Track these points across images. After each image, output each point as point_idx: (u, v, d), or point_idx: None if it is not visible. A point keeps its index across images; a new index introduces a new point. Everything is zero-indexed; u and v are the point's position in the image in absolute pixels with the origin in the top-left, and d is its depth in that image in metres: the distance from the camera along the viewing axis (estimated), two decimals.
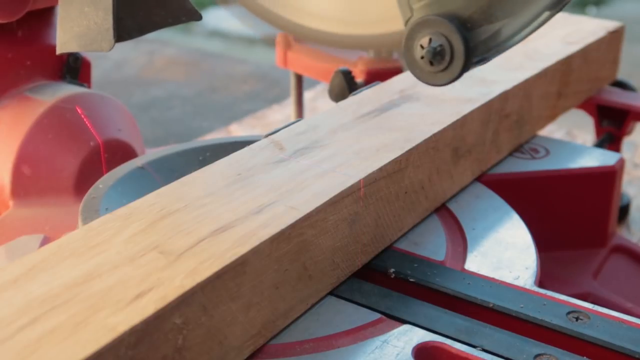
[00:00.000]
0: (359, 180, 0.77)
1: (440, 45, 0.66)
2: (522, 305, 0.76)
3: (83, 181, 1.25)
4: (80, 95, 1.29)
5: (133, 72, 3.15)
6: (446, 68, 0.67)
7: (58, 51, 0.88)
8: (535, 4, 0.66)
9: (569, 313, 0.75)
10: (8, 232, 1.17)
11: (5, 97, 1.30)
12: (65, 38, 0.86)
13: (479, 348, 0.70)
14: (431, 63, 0.67)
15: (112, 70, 3.14)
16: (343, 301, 0.76)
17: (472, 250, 0.87)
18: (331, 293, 0.77)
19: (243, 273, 0.64)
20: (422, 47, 0.67)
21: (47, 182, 1.25)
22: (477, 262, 0.85)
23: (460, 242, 0.89)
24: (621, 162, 1.15)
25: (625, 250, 1.20)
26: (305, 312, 0.74)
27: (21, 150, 1.24)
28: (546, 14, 0.66)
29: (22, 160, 1.24)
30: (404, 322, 0.73)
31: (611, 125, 1.45)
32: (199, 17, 0.92)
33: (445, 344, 0.70)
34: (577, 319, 0.74)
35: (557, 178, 1.11)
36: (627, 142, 1.76)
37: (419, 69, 0.68)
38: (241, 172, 0.79)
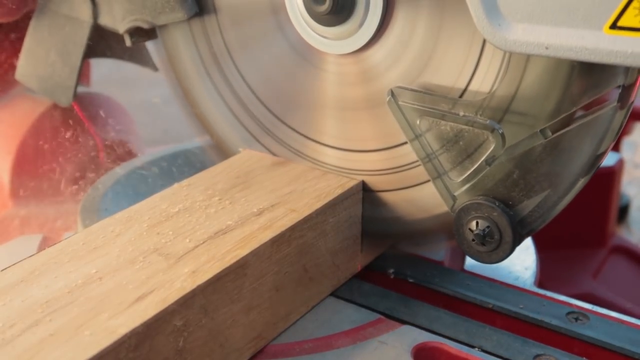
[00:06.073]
0: (359, 182, 0.77)
1: (488, 227, 0.67)
2: (521, 306, 0.76)
3: (82, 181, 1.25)
4: (80, 95, 1.28)
5: (133, 72, 3.14)
6: (498, 246, 0.68)
7: (17, 77, 0.92)
8: (568, 176, 0.66)
9: (568, 313, 0.75)
10: (7, 231, 1.17)
11: (5, 96, 1.29)
12: (27, 71, 0.91)
13: (478, 348, 0.70)
14: (483, 244, 0.68)
15: (112, 70, 3.13)
16: (342, 301, 0.77)
17: None
18: (330, 293, 0.77)
19: (243, 275, 0.64)
20: (471, 230, 0.68)
21: (46, 182, 1.25)
22: (476, 262, 0.85)
23: None
24: (621, 163, 1.15)
25: (624, 251, 1.20)
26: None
27: (20, 149, 1.24)
28: (581, 180, 0.67)
29: (21, 159, 1.24)
30: (403, 322, 0.73)
31: None
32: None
33: (444, 344, 0.70)
34: (576, 319, 0.74)
35: None
36: (627, 142, 1.76)
37: (474, 250, 0.70)
38: (241, 175, 0.79)
